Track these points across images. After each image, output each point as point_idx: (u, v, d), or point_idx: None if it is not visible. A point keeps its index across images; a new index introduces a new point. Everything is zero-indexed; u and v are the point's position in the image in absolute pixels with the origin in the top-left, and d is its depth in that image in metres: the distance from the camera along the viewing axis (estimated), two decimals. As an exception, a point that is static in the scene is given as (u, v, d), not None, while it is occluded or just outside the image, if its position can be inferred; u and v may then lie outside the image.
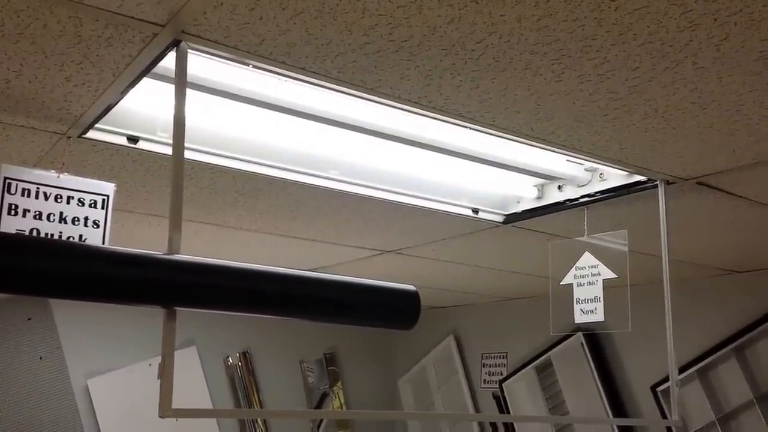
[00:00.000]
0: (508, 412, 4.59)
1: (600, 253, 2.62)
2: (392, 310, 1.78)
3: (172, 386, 1.47)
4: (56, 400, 4.31)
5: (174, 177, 1.55)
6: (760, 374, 3.51)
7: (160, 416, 1.46)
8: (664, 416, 3.83)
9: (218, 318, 4.92)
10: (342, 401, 5.30)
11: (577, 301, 2.65)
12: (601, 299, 2.57)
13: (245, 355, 5.01)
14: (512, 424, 4.57)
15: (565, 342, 4.32)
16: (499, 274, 3.96)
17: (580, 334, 4.22)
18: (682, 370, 3.74)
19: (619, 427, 4.01)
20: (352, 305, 1.72)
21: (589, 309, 2.60)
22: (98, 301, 1.41)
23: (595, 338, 4.19)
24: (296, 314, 1.69)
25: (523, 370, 4.57)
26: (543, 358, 4.46)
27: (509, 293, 4.61)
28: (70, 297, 1.39)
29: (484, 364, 4.85)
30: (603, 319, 2.54)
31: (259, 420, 4.94)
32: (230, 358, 4.97)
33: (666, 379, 3.84)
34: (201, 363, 4.79)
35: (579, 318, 2.63)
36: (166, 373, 1.48)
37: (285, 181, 2.47)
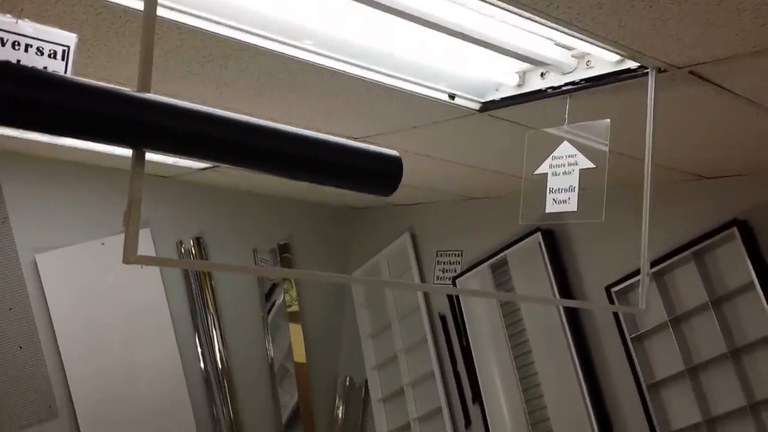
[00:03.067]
0: (460, 308, 4.61)
1: (579, 143, 2.56)
2: (374, 174, 1.70)
3: (138, 233, 1.41)
4: (1, 274, 4.17)
5: (147, 8, 1.42)
6: (718, 280, 3.57)
7: (125, 263, 1.41)
8: (617, 317, 3.88)
9: (173, 201, 4.79)
10: (293, 295, 5.28)
11: (551, 191, 2.60)
12: (576, 189, 2.52)
13: (198, 241, 4.91)
14: (462, 316, 4.59)
15: (522, 242, 4.32)
16: (466, 169, 3.89)
17: (538, 234, 4.22)
18: (639, 272, 3.78)
19: (569, 320, 4.05)
20: (332, 164, 1.63)
21: (562, 199, 2.57)
22: (63, 135, 1.30)
23: (553, 238, 4.20)
24: (273, 169, 1.60)
25: (477, 268, 4.58)
26: (499, 256, 4.46)
27: (472, 191, 4.57)
28: (33, 128, 1.27)
29: (438, 262, 4.84)
30: (576, 210, 2.51)
31: (210, 304, 4.89)
32: (183, 243, 4.86)
33: (620, 281, 3.89)
34: (154, 246, 4.67)
35: (551, 208, 2.59)
36: (132, 219, 1.40)
37: (256, 48, 2.33)
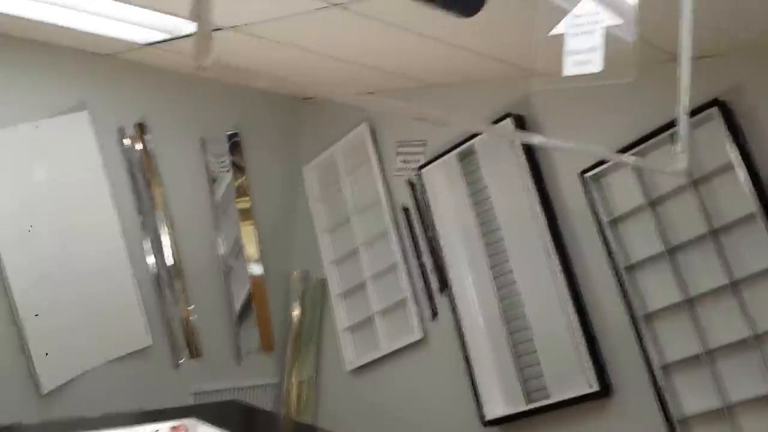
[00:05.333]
0: (425, 199, 4.48)
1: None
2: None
3: (210, 32, 1.16)
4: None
5: None
6: (696, 160, 3.52)
7: (195, 67, 1.16)
8: (591, 201, 3.83)
9: (112, 82, 4.40)
10: (247, 189, 5.03)
11: (569, 53, 2.46)
12: (601, 48, 2.39)
13: (141, 127, 4.54)
14: (428, 206, 4.46)
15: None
16: (444, 48, 3.68)
17: (509, 120, 4.09)
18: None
19: (542, 205, 3.98)
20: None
21: (583, 60, 2.43)
22: None
23: (524, 124, 4.08)
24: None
25: (443, 158, 4.43)
26: (466, 145, 4.32)
27: (445, 77, 4.35)
28: None
29: (399, 152, 4.67)
30: (600, 69, 2.38)
31: (157, 199, 4.58)
32: (126, 129, 4.48)
33: (594, 166, 3.82)
34: (94, 131, 4.29)
35: (570, 70, 2.45)
36: (203, 12, 1.14)
37: None
